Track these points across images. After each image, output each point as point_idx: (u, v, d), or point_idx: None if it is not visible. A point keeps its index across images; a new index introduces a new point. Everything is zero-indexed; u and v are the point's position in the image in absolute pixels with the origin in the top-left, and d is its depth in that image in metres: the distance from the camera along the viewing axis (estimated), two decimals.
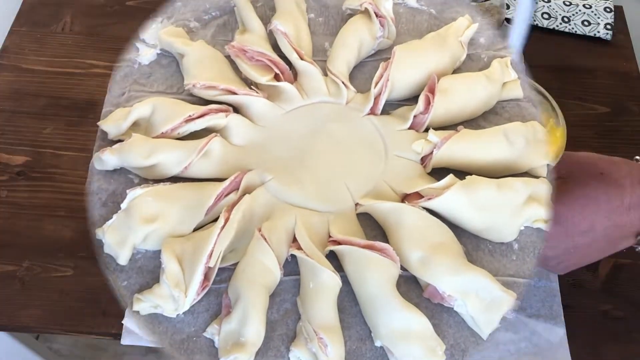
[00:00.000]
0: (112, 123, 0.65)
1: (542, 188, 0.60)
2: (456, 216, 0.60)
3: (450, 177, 0.60)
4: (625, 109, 0.85)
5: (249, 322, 0.54)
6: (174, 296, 0.55)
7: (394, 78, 0.68)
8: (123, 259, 0.58)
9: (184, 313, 0.56)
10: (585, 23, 0.92)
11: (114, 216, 0.59)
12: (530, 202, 0.59)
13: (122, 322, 0.62)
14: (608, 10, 0.93)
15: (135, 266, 0.59)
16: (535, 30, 0.91)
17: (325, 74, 0.71)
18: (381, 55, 0.72)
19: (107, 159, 0.62)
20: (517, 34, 0.68)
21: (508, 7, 0.90)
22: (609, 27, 0.92)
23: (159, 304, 0.55)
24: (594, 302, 0.69)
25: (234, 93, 0.67)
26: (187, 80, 0.68)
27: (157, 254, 0.58)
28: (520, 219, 0.59)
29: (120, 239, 0.58)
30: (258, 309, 0.55)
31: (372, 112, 0.68)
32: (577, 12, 0.92)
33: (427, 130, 0.66)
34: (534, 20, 0.92)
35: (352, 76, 0.72)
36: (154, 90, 0.70)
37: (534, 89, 0.59)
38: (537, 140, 0.62)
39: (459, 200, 0.59)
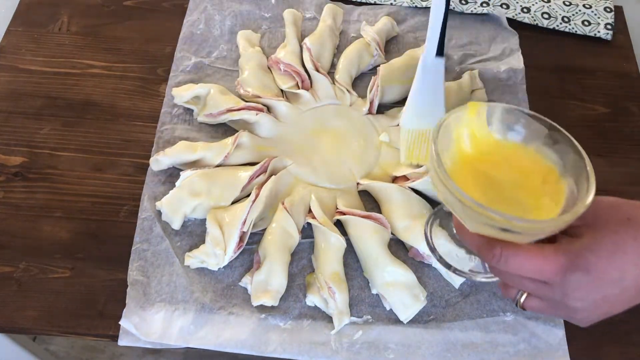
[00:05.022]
0: (179, 92, 0.75)
1: None
2: (433, 194, 0.67)
3: None
4: (625, 109, 0.81)
5: (274, 274, 0.62)
6: (216, 254, 0.62)
7: (384, 86, 0.75)
8: (176, 224, 0.65)
9: (223, 267, 0.64)
10: (585, 23, 0.87)
11: (170, 192, 0.66)
12: None
13: (120, 323, 0.61)
14: (608, 10, 0.88)
15: (187, 231, 0.66)
16: (535, 30, 0.88)
17: (334, 83, 0.78)
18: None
19: (162, 159, 0.69)
20: (432, 38, 0.65)
21: (507, 6, 0.88)
22: (609, 27, 0.87)
23: (204, 260, 0.63)
24: None
25: (260, 97, 0.75)
26: (239, 78, 0.77)
27: (203, 221, 0.66)
28: None
29: (174, 209, 0.65)
30: (281, 265, 0.62)
31: (370, 112, 0.76)
32: (577, 12, 0.88)
33: None
34: (534, 20, 0.87)
35: (355, 85, 0.80)
36: (221, 68, 0.81)
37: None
38: None
39: None
